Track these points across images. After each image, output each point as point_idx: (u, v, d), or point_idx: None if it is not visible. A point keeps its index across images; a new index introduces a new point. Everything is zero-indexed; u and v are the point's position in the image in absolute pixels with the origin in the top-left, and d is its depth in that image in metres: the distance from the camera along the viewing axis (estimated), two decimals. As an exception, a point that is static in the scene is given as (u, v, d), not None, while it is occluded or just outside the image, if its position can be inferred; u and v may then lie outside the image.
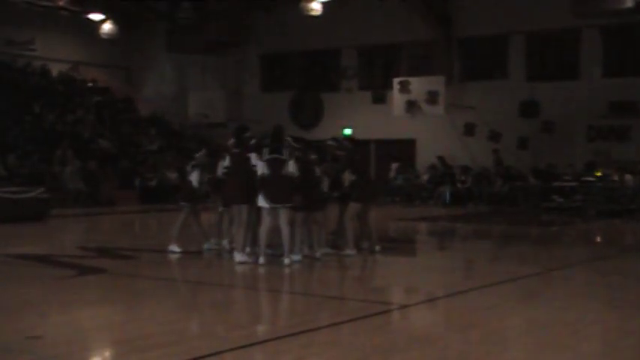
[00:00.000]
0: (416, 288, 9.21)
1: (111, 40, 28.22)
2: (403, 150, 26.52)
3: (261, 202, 10.08)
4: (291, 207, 10.18)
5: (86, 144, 25.14)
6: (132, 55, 31.45)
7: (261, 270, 9.93)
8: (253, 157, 10.19)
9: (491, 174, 23.68)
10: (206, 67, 29.52)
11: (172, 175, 22.06)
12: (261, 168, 10.06)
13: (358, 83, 27.75)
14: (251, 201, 10.21)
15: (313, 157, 10.70)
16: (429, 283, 9.49)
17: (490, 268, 11.22)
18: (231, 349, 5.75)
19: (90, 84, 29.62)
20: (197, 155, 11.76)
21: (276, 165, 10.02)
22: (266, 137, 10.41)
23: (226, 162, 10.62)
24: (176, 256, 11.28)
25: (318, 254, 10.74)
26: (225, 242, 11.65)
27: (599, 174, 21.14)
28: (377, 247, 11.62)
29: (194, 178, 11.51)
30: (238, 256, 10.31)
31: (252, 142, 10.56)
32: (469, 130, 25.24)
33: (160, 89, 30.70)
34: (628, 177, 20.90)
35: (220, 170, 10.90)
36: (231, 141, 10.77)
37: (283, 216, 10.11)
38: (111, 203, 22.64)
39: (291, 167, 10.07)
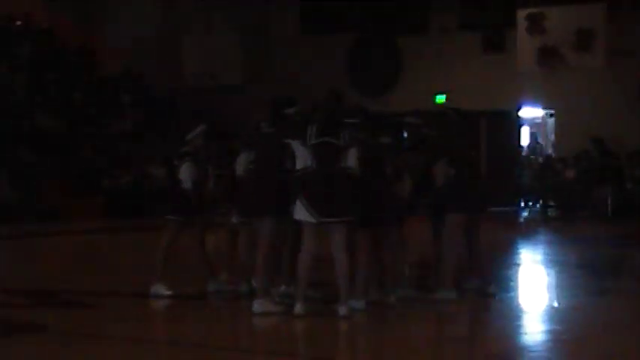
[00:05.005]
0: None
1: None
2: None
3: (301, 213, 10.08)
4: (351, 223, 10.16)
5: (16, 122, 25.30)
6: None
7: (300, 325, 9.90)
8: (295, 145, 10.27)
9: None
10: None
11: (157, 172, 22.16)
12: (303, 159, 10.10)
13: (459, 20, 27.58)
14: (282, 212, 10.26)
15: (386, 141, 10.78)
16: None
17: None
18: None
19: (19, 22, 29.75)
20: (189, 136, 11.72)
21: (327, 154, 10.08)
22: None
23: (252, 154, 10.81)
24: (163, 303, 11.35)
25: (393, 299, 10.79)
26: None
27: None
28: (492, 287, 11.59)
29: (186, 174, 11.47)
30: (257, 304, 10.37)
31: (297, 118, 10.70)
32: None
33: (136, 33, 30.85)
34: None
35: (241, 166, 11.12)
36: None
37: (338, 237, 10.19)
38: (58, 217, 22.79)
39: (351, 159, 10.07)
